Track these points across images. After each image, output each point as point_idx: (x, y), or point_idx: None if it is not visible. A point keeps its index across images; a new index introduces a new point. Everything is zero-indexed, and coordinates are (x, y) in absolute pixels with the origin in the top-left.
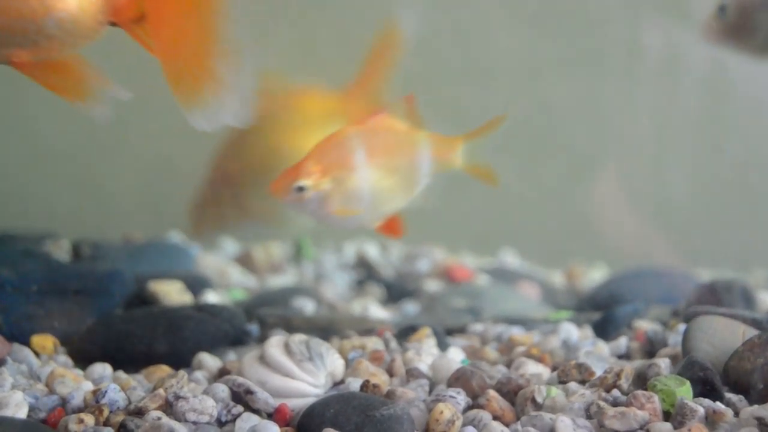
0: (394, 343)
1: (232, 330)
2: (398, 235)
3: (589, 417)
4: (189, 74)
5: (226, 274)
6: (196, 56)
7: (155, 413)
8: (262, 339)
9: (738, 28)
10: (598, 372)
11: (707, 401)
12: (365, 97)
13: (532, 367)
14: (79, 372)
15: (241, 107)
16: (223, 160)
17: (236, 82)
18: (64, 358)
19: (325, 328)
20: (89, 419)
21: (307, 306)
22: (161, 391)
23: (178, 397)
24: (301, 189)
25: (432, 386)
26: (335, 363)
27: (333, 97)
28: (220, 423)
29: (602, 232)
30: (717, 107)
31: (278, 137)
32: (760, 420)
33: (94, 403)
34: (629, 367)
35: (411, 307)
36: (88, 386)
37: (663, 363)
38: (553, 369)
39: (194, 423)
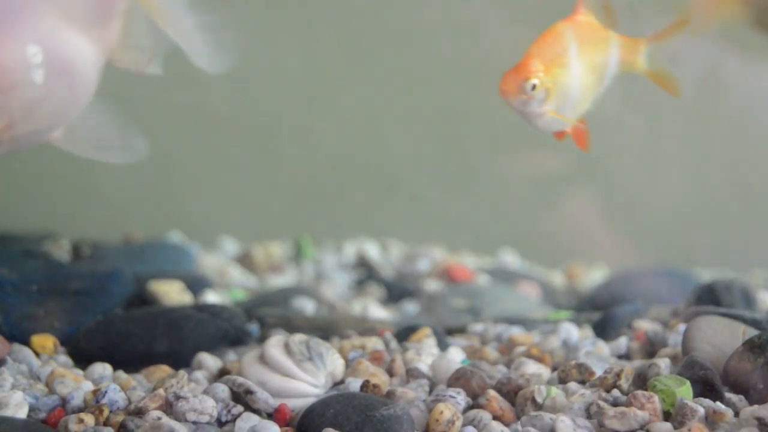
0: (394, 343)
1: (232, 330)
2: (584, 146)
3: (589, 417)
4: None
5: (226, 274)
6: None
7: (155, 413)
8: (262, 339)
9: None
10: (598, 372)
11: (707, 401)
12: None
13: (532, 367)
14: (79, 372)
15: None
16: None
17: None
18: (64, 358)
19: (325, 328)
20: (89, 419)
21: (307, 306)
22: (161, 391)
23: (178, 397)
24: (533, 87)
25: (432, 386)
26: (335, 363)
27: None
28: (220, 423)
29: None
30: (716, 107)
31: None
32: (760, 420)
33: (94, 403)
34: (629, 367)
35: (411, 307)
36: (88, 386)
37: (663, 363)
38: (553, 369)
39: (194, 423)
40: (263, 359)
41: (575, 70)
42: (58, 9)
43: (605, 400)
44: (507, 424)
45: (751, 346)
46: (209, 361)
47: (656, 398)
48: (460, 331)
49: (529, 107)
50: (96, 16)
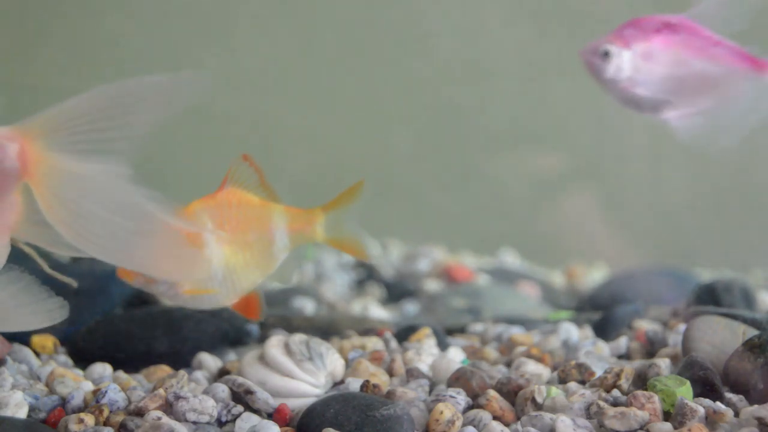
0: (394, 343)
1: (232, 330)
2: (254, 316)
3: (589, 417)
4: None
5: None
6: None
7: (155, 413)
8: (262, 339)
9: None
10: (598, 372)
11: (707, 401)
12: None
13: (532, 367)
14: (79, 372)
15: None
16: None
17: None
18: (64, 358)
19: (325, 328)
20: (89, 419)
21: (307, 306)
22: (161, 391)
23: (178, 397)
24: None
25: (432, 386)
26: (335, 363)
27: None
28: (220, 423)
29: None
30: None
31: None
32: (760, 420)
33: (94, 403)
34: (629, 368)
35: (411, 307)
36: (88, 386)
37: (663, 363)
38: (553, 369)
39: (194, 423)
40: (263, 359)
41: (216, 248)
42: None
43: (605, 400)
44: (507, 424)
45: (751, 346)
46: (209, 361)
47: (656, 398)
48: (460, 331)
49: (157, 289)
50: None
